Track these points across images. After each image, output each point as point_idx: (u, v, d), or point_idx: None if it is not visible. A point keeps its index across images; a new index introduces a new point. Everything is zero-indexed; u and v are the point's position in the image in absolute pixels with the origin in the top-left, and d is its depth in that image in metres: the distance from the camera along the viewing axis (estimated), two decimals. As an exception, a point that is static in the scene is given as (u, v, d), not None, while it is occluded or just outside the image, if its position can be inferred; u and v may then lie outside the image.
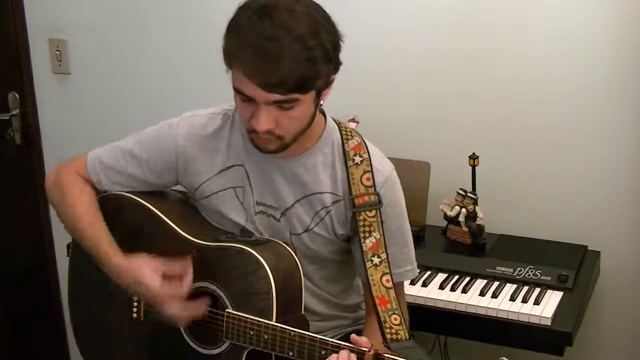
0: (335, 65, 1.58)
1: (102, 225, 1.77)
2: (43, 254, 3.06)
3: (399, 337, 1.59)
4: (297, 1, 1.53)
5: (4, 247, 3.05)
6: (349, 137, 1.72)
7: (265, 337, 1.58)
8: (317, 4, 1.57)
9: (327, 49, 1.52)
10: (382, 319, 1.61)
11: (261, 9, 1.50)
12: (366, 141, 1.74)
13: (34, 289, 3.11)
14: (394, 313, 1.62)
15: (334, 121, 1.75)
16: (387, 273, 1.66)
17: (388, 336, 1.59)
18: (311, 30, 1.50)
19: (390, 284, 1.65)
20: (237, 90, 1.56)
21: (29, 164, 3.00)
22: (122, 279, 1.71)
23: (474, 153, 2.29)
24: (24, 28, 2.89)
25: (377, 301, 1.63)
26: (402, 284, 1.79)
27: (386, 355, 1.48)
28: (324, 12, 1.57)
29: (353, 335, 1.53)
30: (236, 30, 1.52)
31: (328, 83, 1.59)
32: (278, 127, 1.56)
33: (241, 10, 1.54)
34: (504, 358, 1.70)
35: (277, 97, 1.51)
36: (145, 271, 1.66)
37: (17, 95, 2.92)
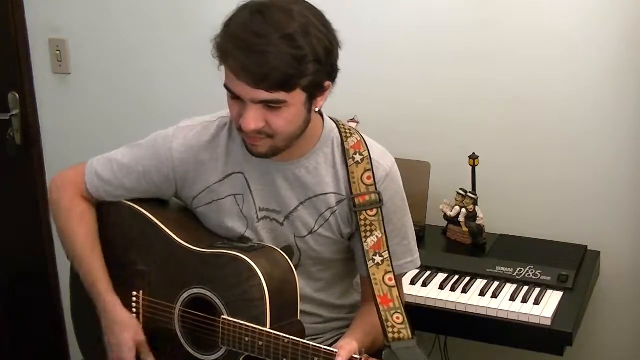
0: (329, 70, 1.55)
1: (99, 259, 1.79)
2: (43, 254, 3.05)
3: (401, 336, 1.58)
4: (296, 1, 1.52)
5: (4, 247, 3.05)
6: (348, 135, 1.71)
7: (260, 343, 1.58)
8: (316, 9, 1.55)
9: (316, 50, 1.49)
10: (384, 318, 1.60)
11: (256, 7, 1.51)
12: (365, 138, 1.73)
13: (34, 289, 3.11)
14: (396, 312, 1.61)
15: (332, 120, 1.74)
16: (389, 272, 1.65)
17: (390, 335, 1.58)
18: (302, 29, 1.48)
19: (393, 282, 1.64)
20: (226, 87, 1.56)
21: (29, 164, 2.99)
22: (105, 318, 1.75)
23: (474, 153, 2.29)
24: (24, 28, 2.89)
25: (379, 300, 1.62)
26: (401, 276, 1.79)
27: None
28: (322, 16, 1.55)
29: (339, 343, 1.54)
30: (228, 26, 1.53)
31: (320, 86, 1.56)
32: (267, 125, 1.55)
33: (239, 8, 1.54)
34: None
35: (262, 95, 1.50)
36: (126, 336, 1.72)
37: (17, 95, 2.91)
